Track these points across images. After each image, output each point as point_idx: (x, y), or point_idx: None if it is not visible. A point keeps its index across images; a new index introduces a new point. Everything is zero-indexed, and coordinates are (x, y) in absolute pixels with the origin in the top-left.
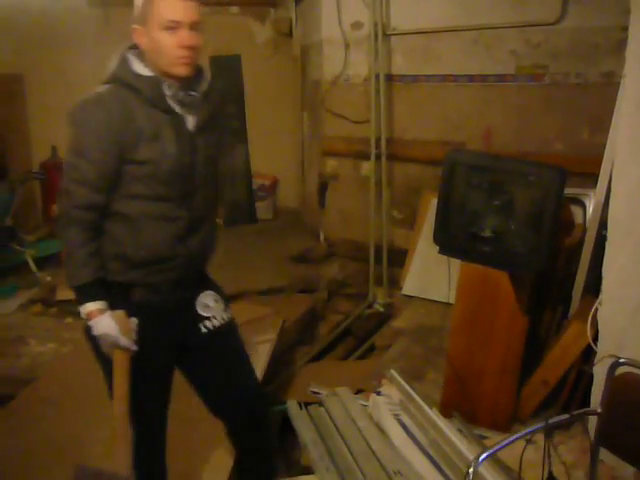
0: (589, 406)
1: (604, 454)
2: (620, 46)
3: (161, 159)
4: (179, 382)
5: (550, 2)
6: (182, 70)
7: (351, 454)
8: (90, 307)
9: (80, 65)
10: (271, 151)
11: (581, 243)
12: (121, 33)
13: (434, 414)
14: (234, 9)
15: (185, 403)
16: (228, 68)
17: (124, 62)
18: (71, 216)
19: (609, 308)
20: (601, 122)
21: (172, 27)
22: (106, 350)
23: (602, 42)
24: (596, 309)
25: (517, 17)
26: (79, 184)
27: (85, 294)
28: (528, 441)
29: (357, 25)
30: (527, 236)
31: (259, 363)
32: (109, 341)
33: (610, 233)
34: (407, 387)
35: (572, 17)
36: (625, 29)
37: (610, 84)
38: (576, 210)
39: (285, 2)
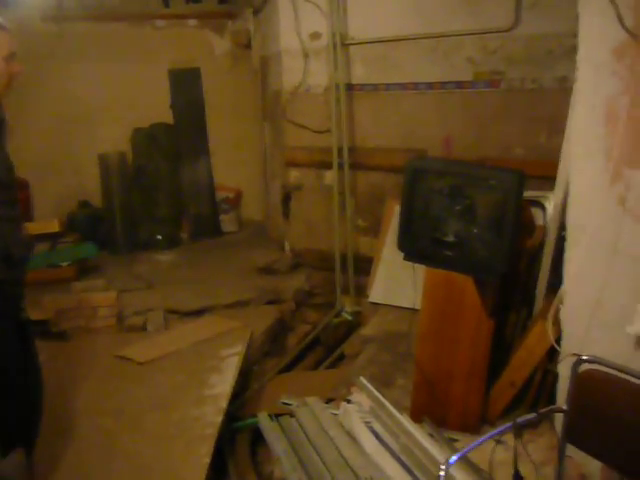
0: (556, 404)
1: (572, 450)
2: (572, 52)
3: None
4: (147, 400)
5: (504, 10)
6: None
7: (323, 463)
8: None
9: (32, 80)
10: (234, 163)
11: (542, 244)
12: (75, 48)
13: (404, 419)
14: (192, 22)
15: (156, 421)
16: (187, 81)
17: None
18: None
19: (570, 307)
20: (557, 126)
21: None
22: None
23: (555, 48)
24: (558, 308)
25: (473, 25)
26: None
27: None
28: (498, 441)
29: (315, 35)
30: (489, 240)
31: (228, 376)
32: None
33: (568, 233)
34: (377, 394)
35: (526, 24)
36: (576, 35)
37: (564, 89)
38: (537, 212)
39: (243, 14)
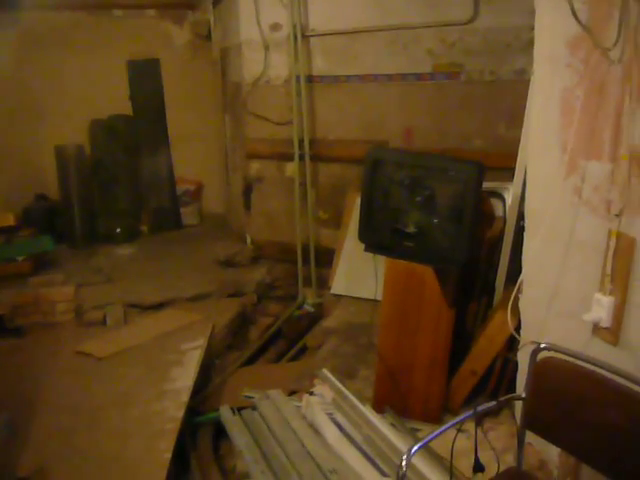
0: (516, 392)
1: (532, 437)
2: (530, 45)
3: None
4: (107, 396)
5: (463, 3)
6: None
7: (286, 456)
8: None
9: None
10: (194, 156)
11: (502, 235)
12: (30, 38)
13: (367, 410)
14: (151, 12)
15: (115, 416)
16: (146, 72)
17: None
18: None
19: (529, 295)
20: (516, 117)
21: None
22: None
23: (513, 41)
24: (517, 297)
25: (432, 17)
26: None
27: None
28: (459, 430)
29: (276, 27)
30: (449, 230)
31: (189, 370)
32: None
33: (526, 224)
34: (339, 385)
35: (484, 17)
36: (533, 29)
37: (522, 81)
38: (496, 203)
39: (203, 4)
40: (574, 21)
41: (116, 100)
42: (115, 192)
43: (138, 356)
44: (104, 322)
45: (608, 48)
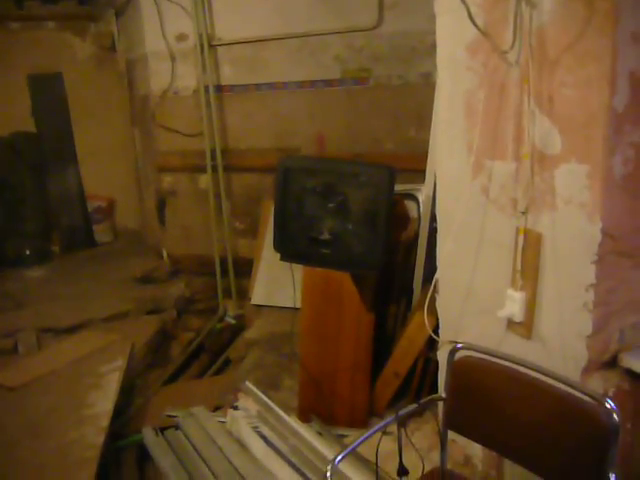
0: (438, 392)
1: (456, 435)
2: (434, 49)
3: None
4: (19, 428)
5: (367, 9)
6: None
7: (213, 475)
8: None
9: None
10: (105, 171)
11: (417, 237)
12: None
13: (292, 421)
14: (50, 24)
15: (30, 449)
16: (49, 87)
17: None
18: None
19: (445, 295)
20: (425, 120)
21: None
22: None
23: (418, 45)
24: (434, 298)
25: (338, 24)
26: None
27: None
28: (384, 433)
29: (182, 37)
30: (364, 235)
31: (108, 393)
32: None
33: (439, 224)
34: (263, 397)
35: (389, 23)
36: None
37: (429, 84)
38: (411, 205)
39: (105, 16)
40: (472, 25)
41: (17, 116)
42: (22, 212)
43: (53, 383)
44: (15, 350)
45: (505, 51)
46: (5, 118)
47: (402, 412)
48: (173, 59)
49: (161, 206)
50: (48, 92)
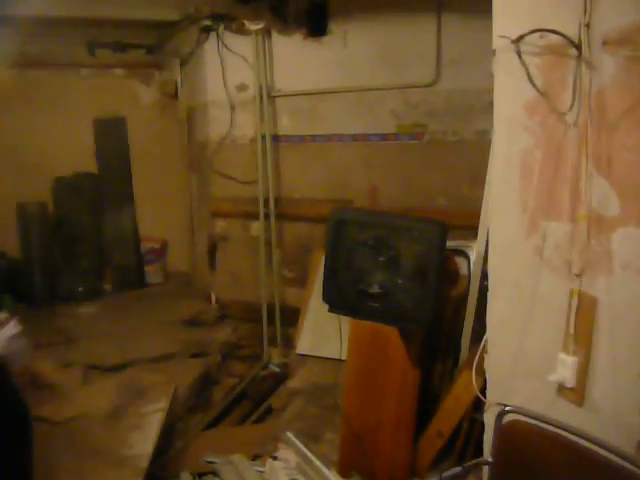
0: (483, 455)
1: None
2: (490, 107)
3: None
4: (60, 465)
5: (425, 66)
6: None
7: None
8: None
9: None
10: (160, 214)
11: (467, 294)
12: None
13: (332, 475)
14: (119, 71)
15: None
16: (112, 130)
17: None
18: None
19: (494, 355)
20: (479, 177)
21: None
22: None
23: (475, 103)
24: (483, 357)
25: (396, 79)
26: None
27: None
28: None
29: (242, 87)
30: (413, 290)
31: (149, 435)
32: None
33: (490, 283)
34: (304, 449)
35: (446, 80)
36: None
37: (484, 141)
38: (461, 262)
39: (170, 65)
40: (530, 85)
41: (81, 158)
42: (78, 250)
43: (96, 420)
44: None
45: (563, 112)
46: (70, 159)
47: (446, 474)
48: (233, 108)
49: (212, 251)
50: (111, 135)
